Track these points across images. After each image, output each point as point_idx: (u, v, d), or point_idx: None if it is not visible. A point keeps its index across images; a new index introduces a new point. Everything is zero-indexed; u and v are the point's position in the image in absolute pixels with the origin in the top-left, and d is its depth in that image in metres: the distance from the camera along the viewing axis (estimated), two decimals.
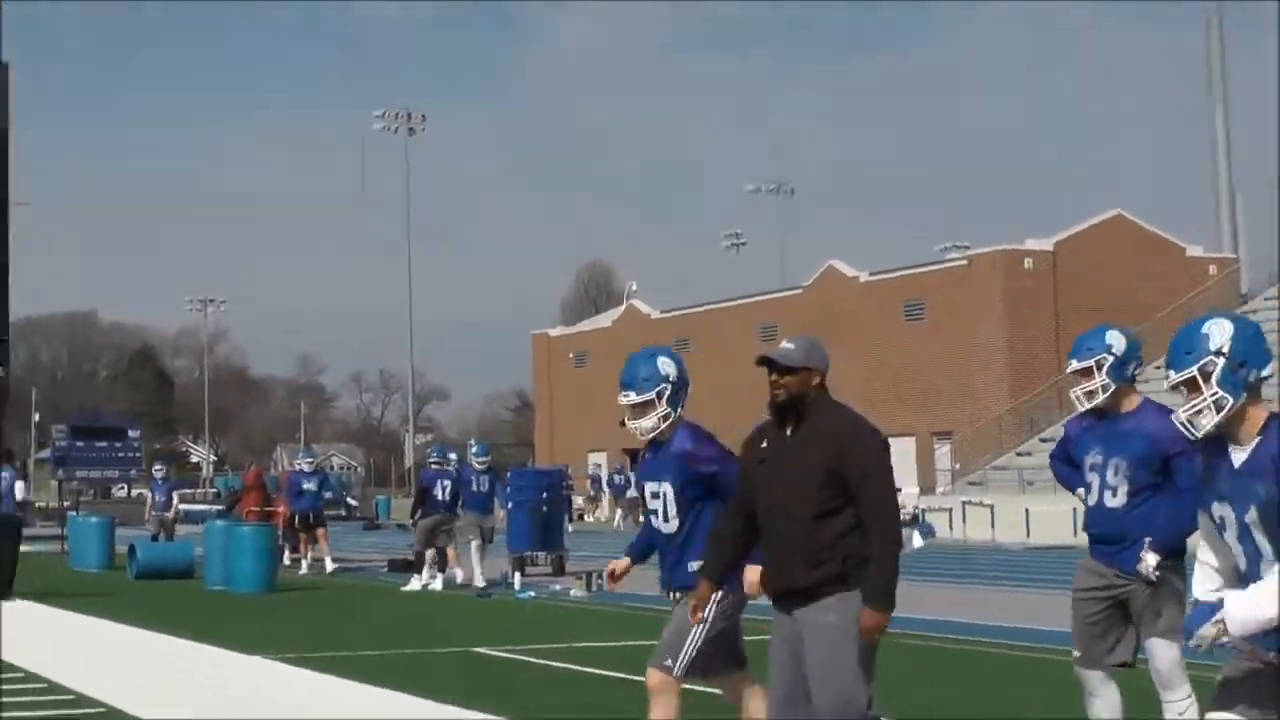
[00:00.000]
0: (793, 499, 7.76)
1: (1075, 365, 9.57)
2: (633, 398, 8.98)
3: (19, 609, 23.53)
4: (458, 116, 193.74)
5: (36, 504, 33.86)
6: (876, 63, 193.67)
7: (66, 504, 50.47)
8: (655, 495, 9.09)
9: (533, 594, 26.26)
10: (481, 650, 17.61)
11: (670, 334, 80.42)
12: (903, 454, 62.86)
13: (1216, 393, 6.45)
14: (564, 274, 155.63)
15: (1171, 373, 6.63)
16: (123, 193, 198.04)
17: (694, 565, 8.74)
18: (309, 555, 33.55)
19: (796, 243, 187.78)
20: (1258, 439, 6.39)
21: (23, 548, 45.84)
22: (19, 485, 28.73)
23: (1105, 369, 9.44)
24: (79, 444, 56.11)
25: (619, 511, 62.29)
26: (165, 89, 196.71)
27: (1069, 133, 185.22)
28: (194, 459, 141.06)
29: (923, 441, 62.74)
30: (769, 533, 7.93)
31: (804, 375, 7.81)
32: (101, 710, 13.11)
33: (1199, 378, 6.49)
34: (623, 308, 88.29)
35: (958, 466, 57.67)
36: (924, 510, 48.72)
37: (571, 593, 26.43)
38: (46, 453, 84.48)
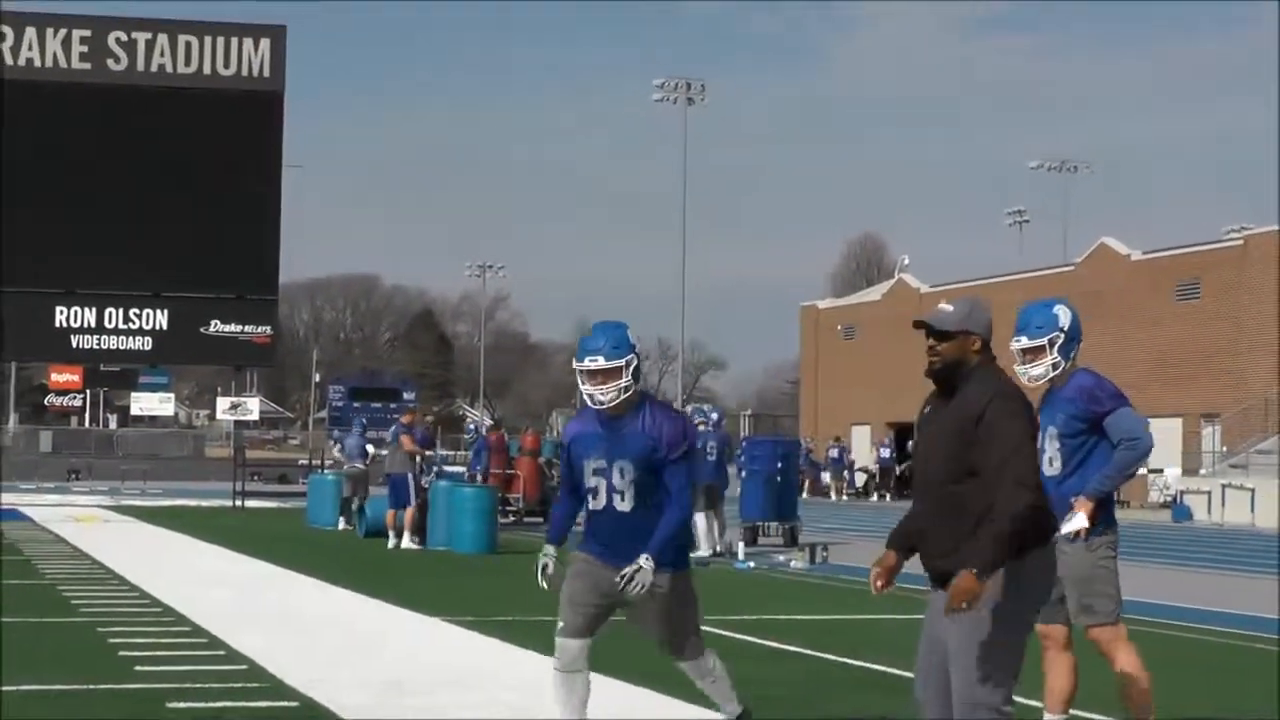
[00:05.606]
0: (934, 468, 7.19)
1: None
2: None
3: (224, 557, 23.62)
4: (738, 87, 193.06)
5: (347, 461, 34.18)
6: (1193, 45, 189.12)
7: (327, 463, 49.13)
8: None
9: (752, 565, 25.78)
10: None
11: None
12: (1168, 435, 61.17)
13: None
14: (834, 246, 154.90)
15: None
16: (400, 158, 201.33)
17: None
18: None
19: (1080, 222, 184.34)
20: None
21: (277, 504, 46.78)
22: (369, 446, 29.74)
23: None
24: (355, 404, 57.25)
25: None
26: (439, 54, 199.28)
27: None
28: (470, 422, 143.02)
29: (1190, 423, 60.83)
30: (917, 506, 7.36)
31: (962, 340, 7.20)
32: (244, 668, 13.02)
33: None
34: (893, 281, 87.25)
35: (1224, 449, 55.92)
36: (1182, 492, 47.37)
37: (792, 564, 25.96)
38: (324, 412, 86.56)
